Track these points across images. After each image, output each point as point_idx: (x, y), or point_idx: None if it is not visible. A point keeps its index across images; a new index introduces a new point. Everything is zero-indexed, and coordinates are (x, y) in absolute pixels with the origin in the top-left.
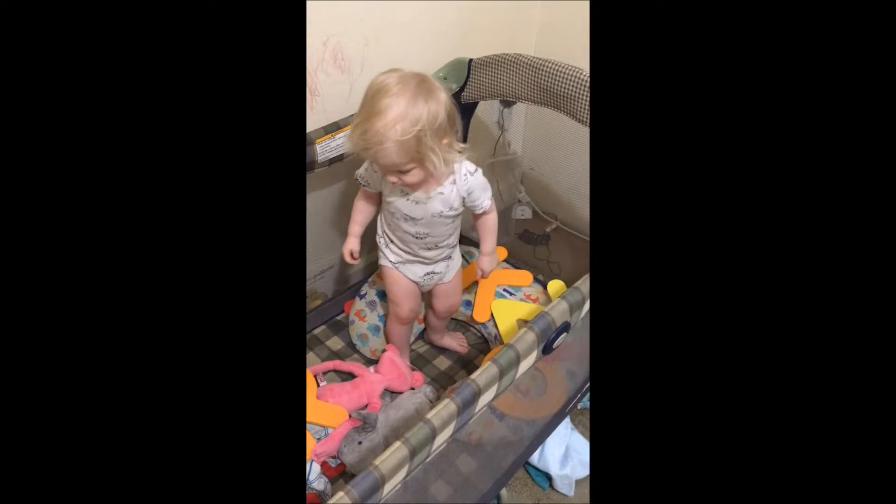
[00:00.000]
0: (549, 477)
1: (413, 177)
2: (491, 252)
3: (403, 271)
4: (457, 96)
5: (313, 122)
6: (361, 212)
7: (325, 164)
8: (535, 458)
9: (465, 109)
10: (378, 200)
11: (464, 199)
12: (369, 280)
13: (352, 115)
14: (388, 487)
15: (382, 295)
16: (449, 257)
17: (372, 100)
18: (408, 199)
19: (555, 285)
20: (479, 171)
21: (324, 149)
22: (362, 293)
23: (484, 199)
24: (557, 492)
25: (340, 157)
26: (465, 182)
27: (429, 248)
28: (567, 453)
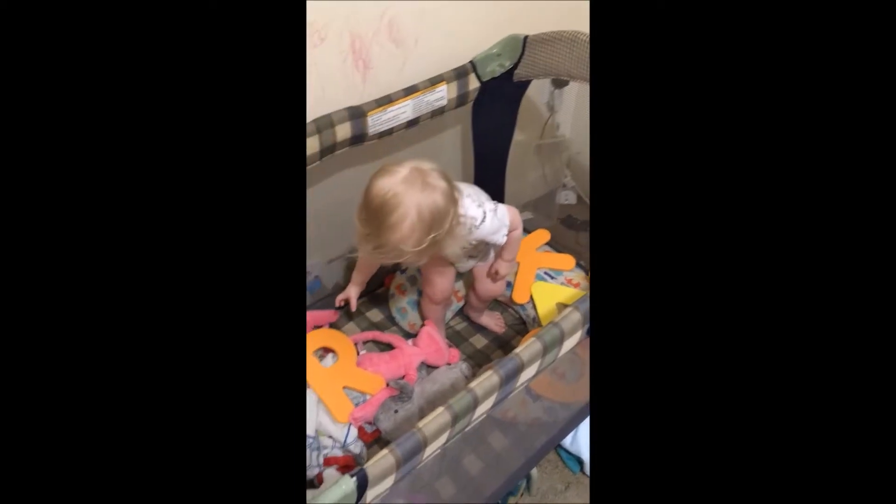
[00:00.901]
0: (580, 461)
1: (424, 257)
2: (510, 259)
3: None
4: (509, 74)
5: (366, 94)
6: (366, 268)
7: (375, 136)
8: (567, 442)
9: (516, 88)
10: None
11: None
12: None
13: (403, 90)
14: (428, 451)
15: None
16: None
17: (379, 213)
18: None
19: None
20: (487, 217)
21: (375, 121)
22: (403, 268)
23: (498, 237)
24: (588, 476)
25: (390, 132)
26: (471, 234)
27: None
28: None
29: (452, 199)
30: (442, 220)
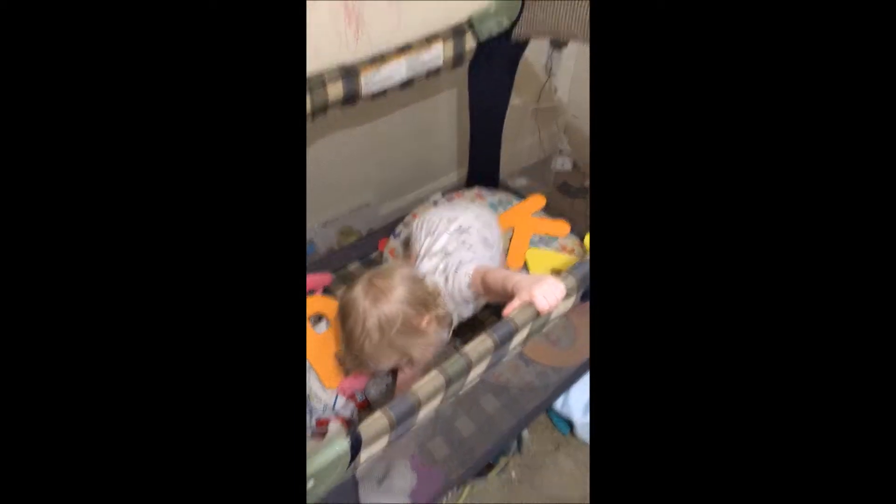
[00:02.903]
0: (570, 423)
1: (418, 364)
2: (528, 279)
3: None
4: (507, 33)
5: (359, 52)
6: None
7: (368, 97)
8: (558, 405)
9: (514, 49)
10: None
11: (463, 293)
12: (404, 219)
13: (397, 48)
14: (422, 413)
15: None
16: None
17: (342, 325)
18: None
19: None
20: (439, 269)
21: (368, 81)
22: (397, 232)
23: (463, 287)
24: (578, 438)
25: (384, 92)
26: (451, 296)
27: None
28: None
29: (406, 300)
30: (391, 322)
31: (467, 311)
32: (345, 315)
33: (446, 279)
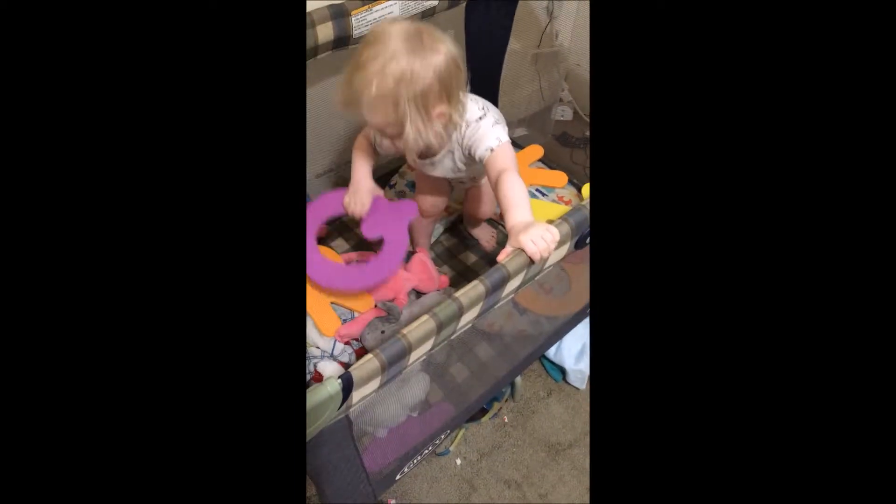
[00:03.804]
0: (563, 370)
1: (401, 142)
2: (521, 224)
3: (429, 171)
4: None
5: None
6: (366, 158)
7: (359, 39)
8: (551, 352)
9: None
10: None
11: (469, 151)
12: (400, 170)
13: None
14: (413, 356)
15: (413, 185)
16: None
17: (361, 51)
18: (419, 158)
19: (589, 188)
20: (486, 116)
21: (359, 22)
22: (392, 182)
23: (482, 147)
24: (570, 384)
25: None
26: (462, 136)
27: (461, 182)
28: (583, 350)
29: (439, 73)
30: (413, 81)
31: (444, 171)
32: (370, 45)
33: (467, 125)
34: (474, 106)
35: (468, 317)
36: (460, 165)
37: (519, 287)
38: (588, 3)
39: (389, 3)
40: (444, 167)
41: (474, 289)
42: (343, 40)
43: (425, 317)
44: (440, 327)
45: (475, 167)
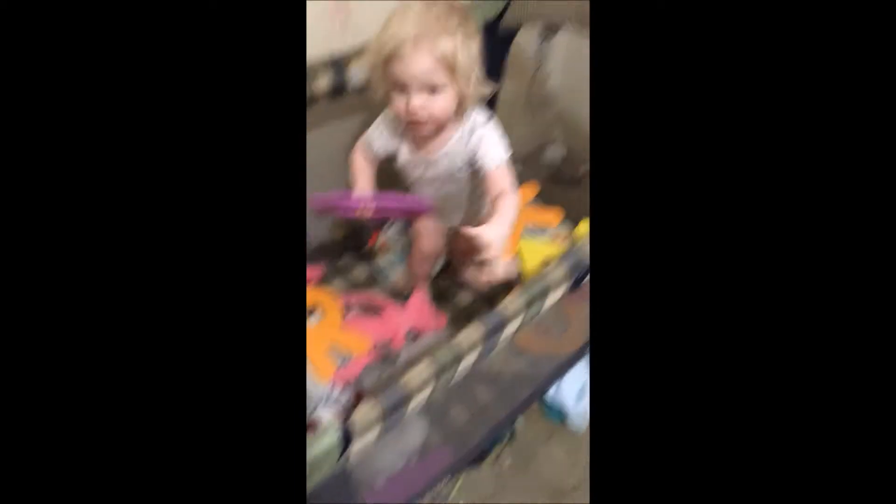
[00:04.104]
0: (563, 412)
1: (441, 102)
2: (494, 234)
3: (424, 171)
4: (498, 19)
5: (345, 43)
6: (365, 170)
7: (356, 90)
8: (550, 393)
9: (504, 35)
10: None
11: (473, 156)
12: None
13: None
14: (412, 403)
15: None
16: None
17: (402, 7)
18: (414, 156)
19: (585, 226)
20: (491, 122)
21: (357, 73)
22: (389, 224)
23: (487, 159)
24: (571, 426)
25: None
26: (470, 136)
27: (452, 213)
28: (583, 389)
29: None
30: (470, 32)
31: (439, 172)
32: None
33: (474, 129)
34: (480, 112)
35: (467, 361)
36: (460, 164)
37: (518, 329)
38: (578, 48)
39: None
40: (442, 166)
41: (473, 332)
42: (340, 89)
43: (425, 362)
44: (439, 372)
45: (469, 183)
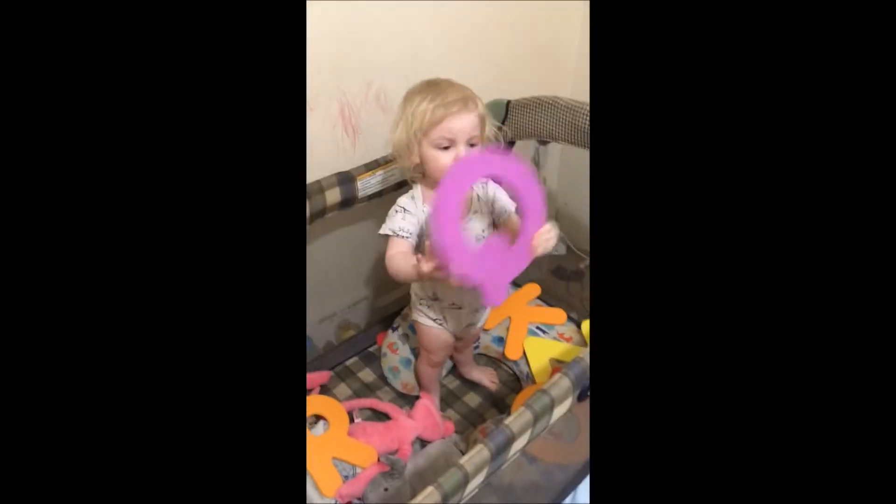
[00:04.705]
0: None
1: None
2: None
3: (443, 326)
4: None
5: (356, 159)
6: (409, 255)
7: (364, 199)
8: (567, 502)
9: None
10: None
11: (492, 206)
12: (402, 312)
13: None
14: None
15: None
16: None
17: (437, 81)
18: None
19: (589, 325)
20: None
21: (364, 185)
22: (395, 325)
23: (506, 201)
24: None
25: (379, 193)
26: (486, 187)
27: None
28: None
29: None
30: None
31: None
32: (437, 84)
33: (486, 183)
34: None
35: (474, 483)
36: (486, 222)
37: (525, 445)
38: (571, 154)
39: (391, 168)
40: (473, 227)
41: (479, 454)
42: (349, 201)
43: (430, 489)
44: (445, 499)
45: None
